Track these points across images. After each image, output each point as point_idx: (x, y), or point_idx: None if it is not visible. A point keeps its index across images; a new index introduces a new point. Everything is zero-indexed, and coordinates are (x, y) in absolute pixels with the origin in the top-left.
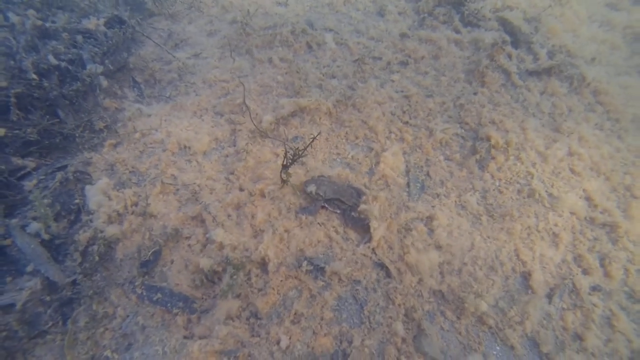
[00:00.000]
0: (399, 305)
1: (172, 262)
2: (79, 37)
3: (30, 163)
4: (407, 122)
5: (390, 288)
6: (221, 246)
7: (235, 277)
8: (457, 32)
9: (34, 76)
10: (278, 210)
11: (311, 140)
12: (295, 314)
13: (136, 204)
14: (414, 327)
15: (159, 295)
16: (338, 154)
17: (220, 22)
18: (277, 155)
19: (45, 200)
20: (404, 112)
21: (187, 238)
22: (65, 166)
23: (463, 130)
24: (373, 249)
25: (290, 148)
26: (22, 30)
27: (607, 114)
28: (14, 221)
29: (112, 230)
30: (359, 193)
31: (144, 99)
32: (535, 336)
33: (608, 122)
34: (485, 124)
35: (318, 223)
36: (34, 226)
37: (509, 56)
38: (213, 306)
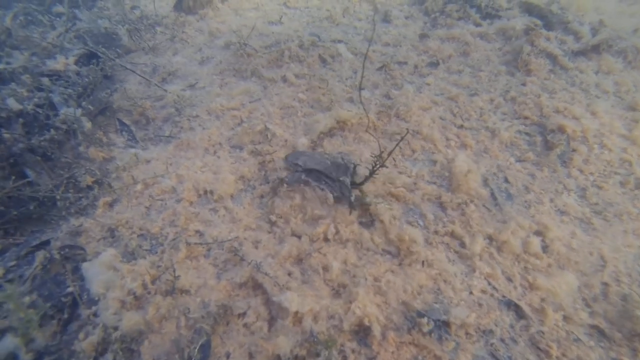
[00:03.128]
0: (558, 358)
1: (227, 355)
2: (45, 80)
3: None
4: (462, 126)
5: (533, 334)
6: (298, 317)
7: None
8: (478, 25)
9: None
10: (356, 255)
11: (400, 139)
12: None
13: (158, 279)
14: None
15: None
16: (399, 172)
17: (210, 49)
18: None
19: (27, 299)
20: (454, 116)
21: (242, 315)
22: (47, 242)
23: (524, 126)
24: (487, 278)
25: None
26: None
27: None
28: None
29: (131, 321)
30: (347, 167)
31: (137, 142)
32: None
33: None
34: (549, 115)
35: (422, 262)
36: (8, 343)
37: (548, 39)
38: None
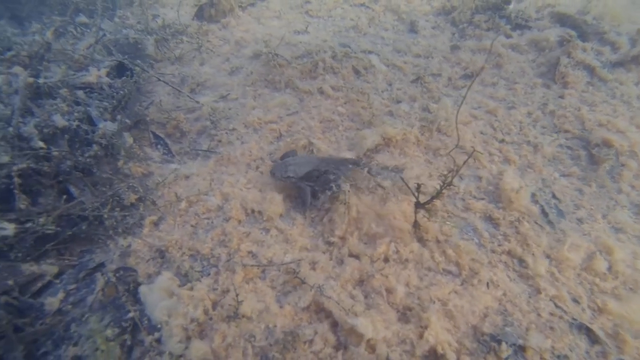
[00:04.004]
0: None
1: None
2: (80, 93)
3: (49, 268)
4: (503, 140)
5: None
6: (372, 345)
7: None
8: (508, 36)
9: (41, 144)
10: (417, 275)
11: (468, 156)
12: None
13: (218, 304)
14: None
15: None
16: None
17: (238, 58)
18: (390, 194)
19: (108, 332)
20: (495, 130)
21: (309, 342)
22: (101, 265)
23: (565, 140)
24: (552, 299)
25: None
26: (10, 91)
27: None
28: None
29: (200, 352)
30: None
31: (173, 156)
32: None
33: None
34: (591, 128)
35: (487, 283)
36: None
37: (584, 50)
38: None
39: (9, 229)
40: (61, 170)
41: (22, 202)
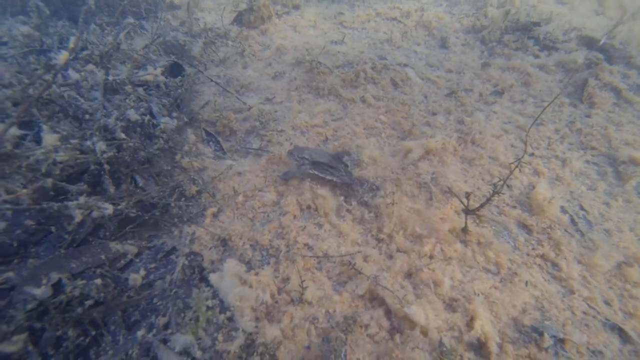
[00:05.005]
0: None
1: None
2: (140, 90)
3: (130, 248)
4: (533, 154)
5: None
6: (425, 331)
7: None
8: (536, 57)
9: (123, 135)
10: (461, 272)
11: (514, 167)
12: None
13: (281, 290)
14: None
15: None
16: (483, 196)
17: (279, 64)
18: (432, 199)
19: (209, 302)
20: (525, 144)
21: (366, 327)
22: (174, 249)
23: (591, 157)
24: (585, 300)
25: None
26: (88, 87)
27: None
28: (153, 337)
29: (273, 332)
30: (339, 157)
31: (224, 153)
32: None
33: None
34: (618, 147)
35: (525, 282)
36: (182, 341)
37: (611, 73)
38: None
39: (109, 209)
40: (138, 159)
41: (110, 187)
